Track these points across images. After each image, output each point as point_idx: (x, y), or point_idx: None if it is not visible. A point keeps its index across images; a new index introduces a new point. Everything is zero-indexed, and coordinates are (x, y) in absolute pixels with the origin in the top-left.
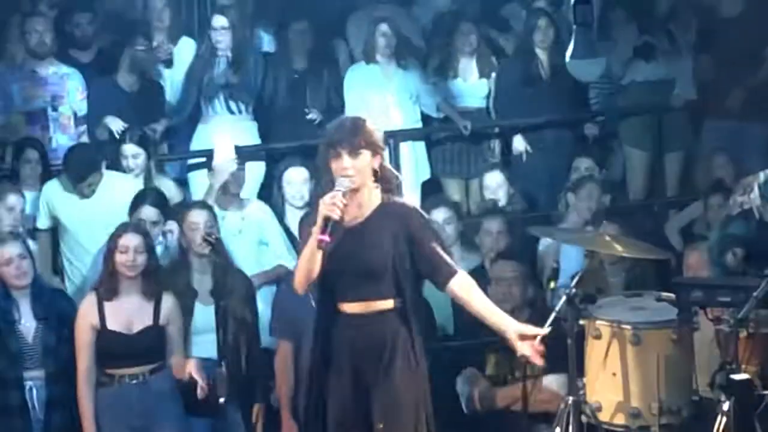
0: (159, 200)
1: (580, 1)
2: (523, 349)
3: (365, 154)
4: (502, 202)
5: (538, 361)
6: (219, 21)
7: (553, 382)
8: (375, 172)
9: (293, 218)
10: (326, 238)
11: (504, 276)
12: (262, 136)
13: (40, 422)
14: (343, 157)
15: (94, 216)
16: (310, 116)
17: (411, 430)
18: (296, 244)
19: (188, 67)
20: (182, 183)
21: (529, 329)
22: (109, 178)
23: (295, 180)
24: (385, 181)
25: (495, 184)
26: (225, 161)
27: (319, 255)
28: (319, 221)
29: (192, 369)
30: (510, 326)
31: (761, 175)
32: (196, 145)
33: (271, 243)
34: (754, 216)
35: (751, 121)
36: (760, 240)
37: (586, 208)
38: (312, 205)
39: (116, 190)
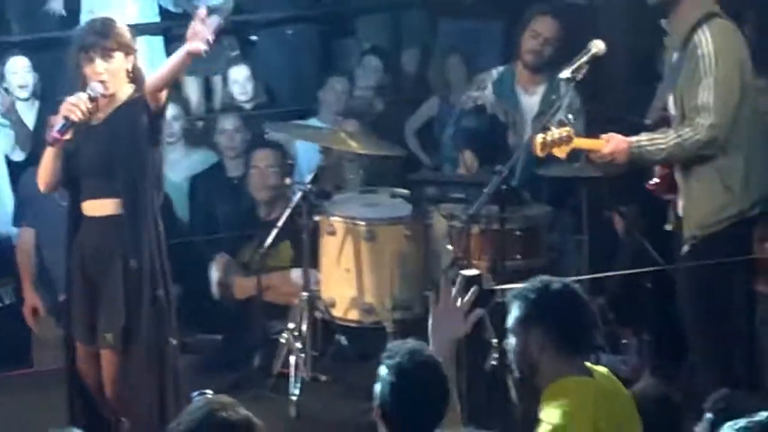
0: None
1: None
2: None
3: (118, 57)
4: (247, 97)
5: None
6: None
7: (298, 275)
8: (128, 72)
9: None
10: (58, 136)
11: (260, 164)
12: None
13: None
14: (96, 61)
15: None
16: (50, 6)
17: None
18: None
19: None
20: None
21: None
22: None
23: (19, 69)
24: (139, 81)
25: (242, 78)
26: None
27: (55, 153)
28: (58, 119)
29: None
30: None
31: (494, 72)
32: None
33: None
34: (486, 112)
35: (486, 20)
36: (491, 135)
37: (334, 103)
38: (37, 95)
39: None
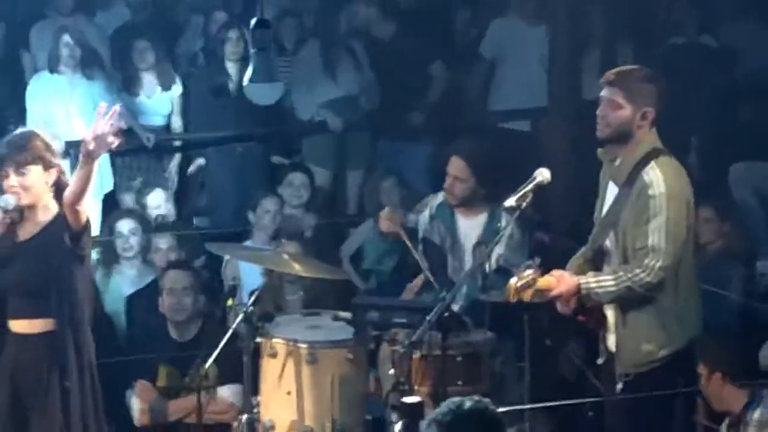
0: None
1: (259, 25)
2: None
3: (34, 170)
4: (171, 218)
5: None
6: None
7: (228, 393)
8: (50, 187)
9: None
10: None
11: (175, 287)
12: None
13: None
14: (10, 176)
15: None
16: None
17: None
18: None
19: None
20: None
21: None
22: None
23: None
24: (63, 196)
25: (156, 203)
26: None
27: None
28: None
29: None
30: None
31: (440, 195)
32: None
33: None
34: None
35: (423, 143)
36: (427, 258)
37: (268, 226)
38: None
39: None
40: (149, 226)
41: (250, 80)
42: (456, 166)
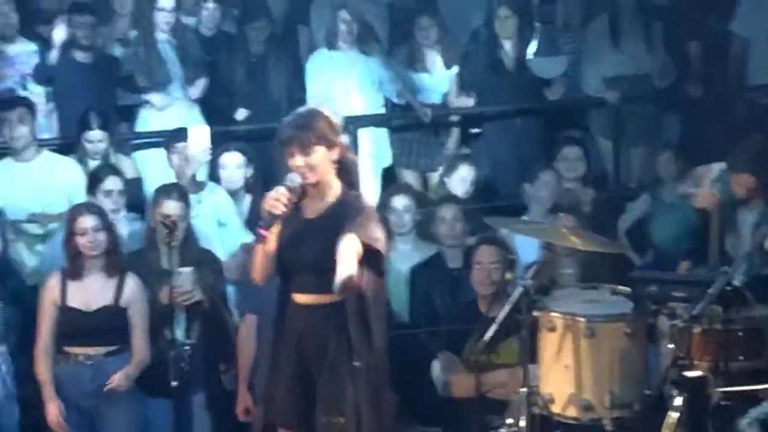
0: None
1: (544, 0)
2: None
3: (319, 150)
4: (467, 195)
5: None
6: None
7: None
8: (335, 164)
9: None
10: (263, 232)
11: (485, 261)
12: (217, 119)
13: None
14: (295, 155)
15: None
16: (238, 114)
17: (353, 424)
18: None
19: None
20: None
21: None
22: (48, 158)
23: (229, 164)
24: (346, 173)
25: (468, 176)
26: (202, 149)
27: (267, 247)
28: (263, 215)
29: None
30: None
31: (716, 168)
32: (141, 127)
33: (228, 224)
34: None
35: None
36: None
37: (546, 198)
38: (248, 188)
39: (55, 171)
40: (423, 203)
41: (534, 54)
42: (745, 181)
